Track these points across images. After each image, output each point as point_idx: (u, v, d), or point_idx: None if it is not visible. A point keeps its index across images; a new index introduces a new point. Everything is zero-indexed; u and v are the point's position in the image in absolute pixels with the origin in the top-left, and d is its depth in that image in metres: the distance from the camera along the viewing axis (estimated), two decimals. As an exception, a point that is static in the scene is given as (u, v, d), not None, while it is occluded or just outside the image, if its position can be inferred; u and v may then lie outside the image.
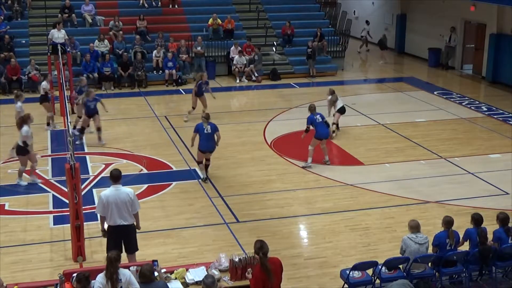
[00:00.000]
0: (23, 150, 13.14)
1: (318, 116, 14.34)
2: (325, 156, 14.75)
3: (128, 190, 9.26)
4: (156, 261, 8.19)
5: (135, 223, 9.35)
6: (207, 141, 13.24)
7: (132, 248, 9.38)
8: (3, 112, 18.96)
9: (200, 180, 13.67)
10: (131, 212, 9.19)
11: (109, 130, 17.30)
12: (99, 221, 9.45)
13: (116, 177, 9.22)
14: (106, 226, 9.27)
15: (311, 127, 14.44)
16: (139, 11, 24.96)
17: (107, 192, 9.13)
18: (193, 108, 17.92)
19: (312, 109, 14.49)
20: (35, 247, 10.68)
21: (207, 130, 13.14)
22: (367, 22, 29.97)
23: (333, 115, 16.85)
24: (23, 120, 13.19)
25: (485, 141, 16.65)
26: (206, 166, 13.66)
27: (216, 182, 13.54)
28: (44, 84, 17.02)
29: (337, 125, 16.92)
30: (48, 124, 17.26)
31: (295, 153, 15.34)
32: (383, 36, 27.69)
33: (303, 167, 14.46)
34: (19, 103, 15.26)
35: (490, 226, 9.54)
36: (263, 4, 26.83)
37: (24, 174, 13.39)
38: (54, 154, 15.32)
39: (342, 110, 16.94)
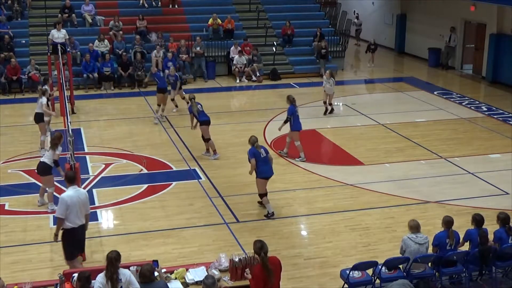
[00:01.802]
0: (49, 170, 11.97)
1: (297, 108, 14.56)
2: (300, 154, 14.87)
3: (84, 191, 9.37)
4: (157, 261, 8.19)
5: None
6: (267, 165, 11.74)
7: (82, 249, 9.45)
8: (3, 112, 18.97)
9: (200, 180, 13.67)
10: (86, 211, 9.25)
11: (109, 130, 17.32)
12: (56, 225, 9.22)
13: (72, 178, 9.23)
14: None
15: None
16: (139, 11, 24.95)
17: (69, 193, 9.07)
18: (159, 105, 17.84)
19: (292, 100, 14.52)
20: (35, 247, 10.67)
21: (262, 154, 11.68)
22: (357, 16, 30.09)
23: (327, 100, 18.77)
24: (57, 142, 12.02)
25: (485, 141, 16.64)
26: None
27: (216, 182, 13.54)
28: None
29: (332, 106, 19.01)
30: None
31: (295, 153, 15.34)
32: (373, 41, 26.91)
33: (299, 160, 14.79)
34: (44, 98, 15.20)
35: (490, 226, 9.54)
36: (263, 4, 26.83)
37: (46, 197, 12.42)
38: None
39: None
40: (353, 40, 30.60)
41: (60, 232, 9.17)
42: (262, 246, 7.59)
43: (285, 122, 14.58)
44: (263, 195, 11.88)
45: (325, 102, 18.94)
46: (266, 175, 11.75)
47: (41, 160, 12.10)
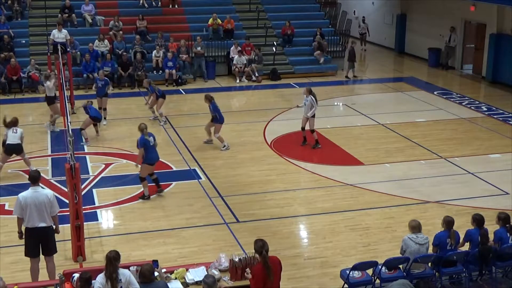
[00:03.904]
0: (22, 147, 13.83)
1: (216, 104, 15.57)
2: (210, 136, 15.91)
3: (47, 192, 9.19)
4: (157, 261, 8.19)
5: (53, 226, 9.21)
6: (154, 152, 12.61)
7: (50, 251, 9.26)
8: (3, 112, 18.90)
9: (199, 180, 13.68)
10: (50, 214, 9.08)
11: (109, 130, 17.32)
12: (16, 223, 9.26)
13: (34, 178, 9.14)
14: (23, 228, 9.14)
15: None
16: (139, 11, 24.95)
17: (25, 193, 9.04)
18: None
19: (211, 98, 15.50)
20: (35, 247, 10.66)
21: (151, 142, 12.48)
22: (363, 19, 29.96)
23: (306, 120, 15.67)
24: (12, 124, 13.72)
25: (485, 141, 16.64)
26: (156, 180, 12.79)
27: (216, 182, 13.54)
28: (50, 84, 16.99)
29: (313, 131, 15.73)
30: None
31: (295, 153, 15.35)
32: (351, 48, 24.54)
33: (225, 148, 15.61)
34: (48, 83, 16.54)
35: (490, 226, 9.54)
36: (263, 4, 26.83)
37: None
38: (54, 154, 15.32)
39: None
40: (354, 39, 30.37)
41: None
42: (264, 244, 7.60)
43: (213, 118, 15.55)
44: (144, 179, 12.59)
45: (302, 129, 15.87)
46: (153, 161, 12.58)
47: (12, 143, 13.49)
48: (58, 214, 9.28)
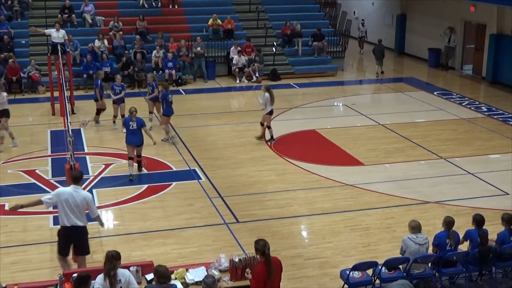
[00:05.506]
0: None
1: (170, 95, 15.76)
2: (166, 136, 16.06)
3: (85, 194, 9.17)
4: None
5: (86, 226, 9.25)
6: (132, 136, 13.54)
7: (82, 251, 9.30)
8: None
9: (199, 181, 13.69)
10: (92, 216, 9.19)
11: (109, 130, 17.31)
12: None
13: (76, 178, 9.17)
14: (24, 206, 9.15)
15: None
16: (139, 11, 24.94)
17: (65, 189, 9.11)
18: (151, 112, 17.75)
19: (166, 86, 16.31)
20: (35, 247, 10.67)
21: (132, 127, 13.49)
22: (363, 22, 29.92)
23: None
24: None
25: (485, 141, 16.64)
26: (138, 163, 13.94)
27: (216, 182, 13.54)
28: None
29: (270, 128, 16.16)
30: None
31: (295, 153, 15.34)
32: (380, 47, 24.90)
33: (165, 140, 15.98)
34: (4, 94, 16.02)
35: (491, 227, 9.53)
36: (263, 4, 26.83)
37: None
38: (54, 154, 15.32)
39: (271, 112, 16.06)
40: (353, 40, 30.30)
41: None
42: (266, 243, 7.60)
43: (163, 104, 15.89)
44: (129, 158, 13.66)
45: (268, 127, 16.19)
46: (129, 143, 13.55)
47: None
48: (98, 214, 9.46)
